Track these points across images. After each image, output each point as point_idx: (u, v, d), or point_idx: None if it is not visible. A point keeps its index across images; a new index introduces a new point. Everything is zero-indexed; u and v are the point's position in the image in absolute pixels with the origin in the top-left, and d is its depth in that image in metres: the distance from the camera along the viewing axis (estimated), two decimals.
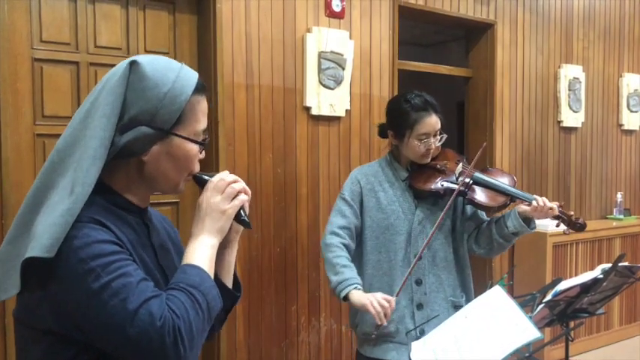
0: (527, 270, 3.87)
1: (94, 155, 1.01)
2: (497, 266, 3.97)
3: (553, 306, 1.58)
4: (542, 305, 1.54)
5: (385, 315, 1.85)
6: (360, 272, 2.09)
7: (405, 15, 3.52)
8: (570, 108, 4.39)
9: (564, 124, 4.38)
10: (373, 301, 1.86)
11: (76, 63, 2.52)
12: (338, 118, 3.18)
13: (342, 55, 3.13)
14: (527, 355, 1.57)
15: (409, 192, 2.11)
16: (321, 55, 3.05)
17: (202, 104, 1.12)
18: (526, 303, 1.47)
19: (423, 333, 1.98)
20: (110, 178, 1.08)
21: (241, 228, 1.20)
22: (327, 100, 3.10)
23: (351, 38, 3.20)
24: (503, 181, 2.11)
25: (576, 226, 2.01)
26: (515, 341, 1.17)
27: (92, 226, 0.99)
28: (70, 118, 1.10)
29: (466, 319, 1.32)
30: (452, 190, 2.04)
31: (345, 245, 2.05)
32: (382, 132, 2.21)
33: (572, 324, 1.95)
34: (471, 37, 4.06)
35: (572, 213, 2.06)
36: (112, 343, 0.96)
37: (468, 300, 2.12)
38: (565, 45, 4.38)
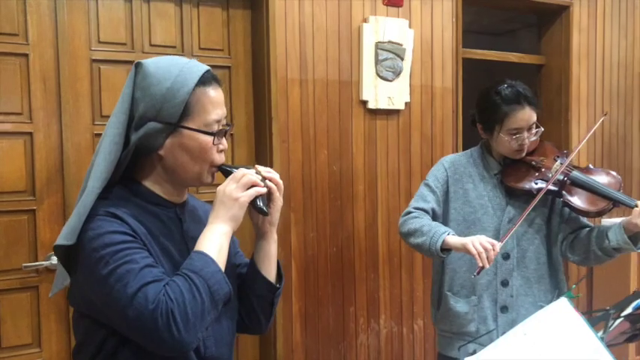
0: (607, 276, 3.54)
1: (104, 151, 1.10)
2: (574, 271, 3.66)
3: (635, 320, 1.38)
4: (621, 319, 1.35)
5: (488, 258, 1.68)
6: (442, 268, 2.00)
7: (471, 1, 3.31)
8: None
9: None
10: (474, 240, 1.70)
11: (132, 62, 2.53)
12: (397, 112, 3.04)
13: (400, 45, 2.98)
14: None
15: (501, 187, 1.96)
16: (378, 46, 2.92)
17: (210, 95, 1.14)
18: (597, 320, 1.30)
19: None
20: (140, 174, 1.17)
21: (276, 220, 1.23)
22: (385, 93, 2.96)
23: (410, 27, 3.04)
24: (605, 183, 1.90)
25: None
26: None
27: (106, 219, 1.07)
28: None
29: (525, 337, 1.16)
30: (546, 191, 1.87)
31: (423, 216, 1.93)
32: (474, 121, 2.06)
33: None
34: (544, 21, 3.77)
35: None
36: (119, 324, 1.04)
37: None
38: None
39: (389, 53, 2.95)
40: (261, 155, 2.77)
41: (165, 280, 1.03)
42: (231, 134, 2.77)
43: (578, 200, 1.87)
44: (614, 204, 1.86)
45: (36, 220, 2.33)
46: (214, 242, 1.09)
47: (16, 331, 2.29)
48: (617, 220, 1.91)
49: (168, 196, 1.18)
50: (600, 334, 1.28)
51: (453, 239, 1.78)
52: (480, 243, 1.69)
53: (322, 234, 2.86)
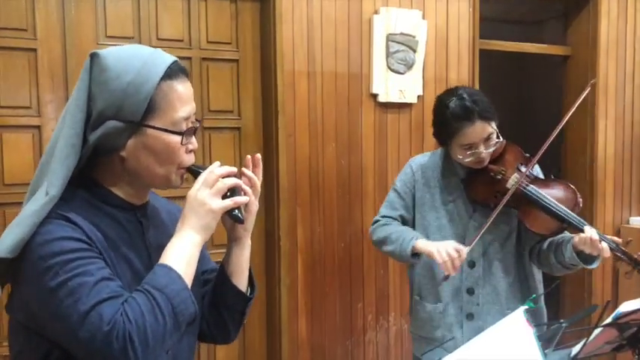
0: (635, 283, 3.37)
1: (60, 155, 0.99)
2: (599, 278, 3.50)
3: (623, 328, 1.30)
4: (601, 329, 1.27)
5: (454, 266, 1.68)
6: (411, 270, 1.99)
7: None
8: None
9: None
10: (441, 249, 1.70)
11: None
12: (409, 105, 2.96)
13: (413, 36, 2.91)
14: None
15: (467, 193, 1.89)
16: (389, 38, 2.85)
17: (178, 90, 1.02)
18: (550, 333, 1.22)
19: None
20: (98, 174, 1.06)
21: (251, 225, 1.13)
22: (396, 86, 2.89)
23: (424, 18, 2.96)
24: (560, 199, 1.77)
25: None
26: None
27: (58, 222, 0.95)
28: None
29: (478, 347, 1.10)
30: (506, 203, 1.78)
31: (391, 222, 1.94)
32: None
33: None
34: (571, 10, 3.61)
35: (638, 255, 1.71)
36: (67, 343, 0.93)
37: (536, 317, 1.86)
38: None
39: (401, 45, 2.88)
40: (267, 149, 2.75)
41: (124, 297, 0.92)
42: (238, 128, 2.77)
43: (530, 220, 1.78)
44: (566, 225, 1.75)
45: None
46: (182, 255, 0.98)
47: None
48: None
49: (129, 197, 1.07)
50: (578, 347, 1.21)
51: (421, 244, 1.78)
52: (446, 251, 1.68)
53: (329, 230, 2.83)
